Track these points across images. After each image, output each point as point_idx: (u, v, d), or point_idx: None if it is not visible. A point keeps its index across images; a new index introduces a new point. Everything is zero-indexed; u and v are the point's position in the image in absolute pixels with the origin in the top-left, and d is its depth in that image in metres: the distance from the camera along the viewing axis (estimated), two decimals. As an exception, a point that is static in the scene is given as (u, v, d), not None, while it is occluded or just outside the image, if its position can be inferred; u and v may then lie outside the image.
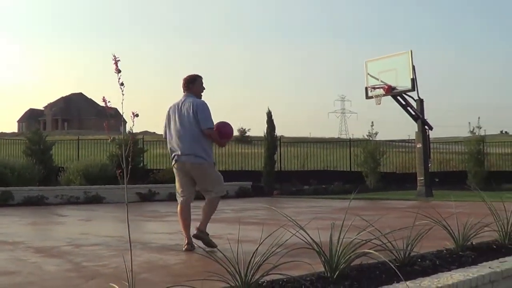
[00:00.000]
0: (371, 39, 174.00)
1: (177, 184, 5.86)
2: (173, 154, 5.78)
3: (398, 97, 15.46)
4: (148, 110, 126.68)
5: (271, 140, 18.49)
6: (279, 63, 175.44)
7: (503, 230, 4.75)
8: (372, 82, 15.81)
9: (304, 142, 27.69)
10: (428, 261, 3.86)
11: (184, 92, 5.88)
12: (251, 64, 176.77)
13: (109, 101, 2.77)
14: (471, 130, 19.54)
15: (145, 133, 37.39)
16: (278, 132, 18.87)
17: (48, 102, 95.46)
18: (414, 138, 16.36)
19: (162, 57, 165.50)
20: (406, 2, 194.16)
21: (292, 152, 22.75)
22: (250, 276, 3.06)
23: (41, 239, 7.26)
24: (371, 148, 19.28)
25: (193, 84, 5.87)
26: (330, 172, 21.11)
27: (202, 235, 5.54)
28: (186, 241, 5.55)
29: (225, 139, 6.00)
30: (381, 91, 15.40)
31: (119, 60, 2.78)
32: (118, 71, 2.78)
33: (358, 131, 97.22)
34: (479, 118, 19.56)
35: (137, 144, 17.92)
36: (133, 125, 2.83)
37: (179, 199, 5.80)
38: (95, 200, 14.74)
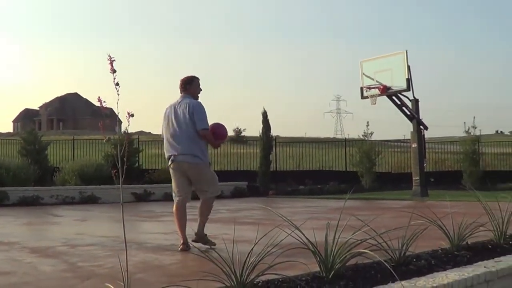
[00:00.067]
0: (371, 39, 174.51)
1: (173, 184, 5.89)
2: (169, 154, 5.79)
3: (394, 97, 15.49)
4: (148, 110, 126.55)
5: (267, 140, 18.48)
6: (279, 63, 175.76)
7: (498, 229, 4.77)
8: (368, 82, 15.83)
9: (299, 142, 27.67)
10: (423, 260, 3.86)
11: (181, 93, 5.93)
12: (251, 64, 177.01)
13: (104, 101, 2.76)
14: (466, 130, 19.64)
15: (141, 133, 37.38)
16: (275, 132, 18.94)
17: (43, 102, 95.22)
18: (409, 138, 16.39)
19: (162, 57, 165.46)
20: (406, 2, 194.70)
21: (287, 152, 22.74)
22: (245, 276, 3.06)
23: (37, 239, 7.25)
24: (367, 148, 19.30)
25: (190, 85, 5.92)
26: (326, 172, 21.11)
27: (200, 240, 5.61)
28: (182, 241, 5.57)
29: (220, 140, 6.05)
30: (377, 91, 15.43)
31: (114, 60, 2.78)
32: (114, 71, 2.78)
33: (353, 131, 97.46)
34: (474, 118, 19.65)
35: (133, 144, 17.87)
36: (129, 125, 2.83)
37: (175, 199, 5.83)
38: (91, 200, 14.70)
